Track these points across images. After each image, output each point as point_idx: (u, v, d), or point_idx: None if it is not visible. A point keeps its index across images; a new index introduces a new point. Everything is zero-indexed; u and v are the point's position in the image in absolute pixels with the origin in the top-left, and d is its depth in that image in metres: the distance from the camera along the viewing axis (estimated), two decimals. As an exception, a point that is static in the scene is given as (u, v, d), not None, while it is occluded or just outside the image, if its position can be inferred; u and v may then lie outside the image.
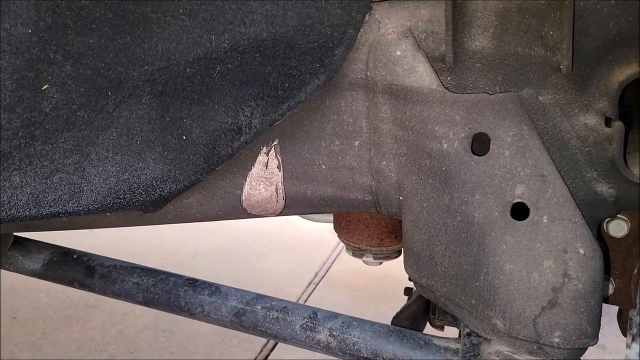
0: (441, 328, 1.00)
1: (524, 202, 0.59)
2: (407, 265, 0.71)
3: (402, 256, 1.05)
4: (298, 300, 2.41)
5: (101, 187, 0.69)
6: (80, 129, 0.68)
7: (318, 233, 2.90)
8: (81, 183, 0.69)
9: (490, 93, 0.62)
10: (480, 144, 0.62)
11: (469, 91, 0.63)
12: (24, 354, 1.87)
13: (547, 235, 0.58)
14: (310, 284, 2.53)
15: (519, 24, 0.60)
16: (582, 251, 0.57)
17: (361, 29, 0.66)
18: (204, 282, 0.93)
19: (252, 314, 0.89)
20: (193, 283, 0.93)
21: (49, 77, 0.65)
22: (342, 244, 2.91)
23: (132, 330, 2.03)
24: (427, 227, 0.66)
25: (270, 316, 0.88)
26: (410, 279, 0.71)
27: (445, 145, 0.63)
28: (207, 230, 2.71)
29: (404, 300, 2.43)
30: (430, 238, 0.66)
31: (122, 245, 2.28)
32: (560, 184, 0.59)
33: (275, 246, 2.82)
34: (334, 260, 2.72)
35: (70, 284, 1.01)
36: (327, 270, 2.64)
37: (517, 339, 0.60)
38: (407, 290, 1.05)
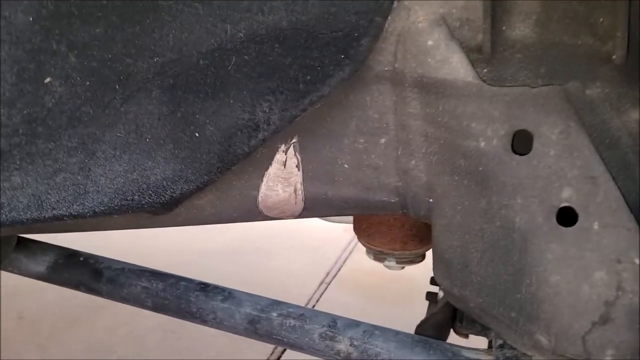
0: (465, 336, 0.95)
1: (572, 206, 0.54)
2: (438, 273, 0.65)
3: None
4: (309, 300, 2.36)
5: (108, 187, 0.65)
6: (86, 126, 0.64)
7: (329, 231, 2.85)
8: (86, 183, 0.64)
9: (533, 86, 0.56)
10: (521, 142, 0.57)
11: (508, 84, 0.58)
12: (31, 355, 1.84)
13: (598, 243, 0.53)
14: (321, 283, 2.48)
15: (565, 10, 0.55)
16: (637, 261, 0.52)
17: (389, 17, 0.61)
18: (217, 287, 0.89)
19: (267, 321, 0.84)
20: (205, 288, 0.88)
21: (52, 69, 0.60)
22: (354, 243, 2.86)
23: (140, 332, 1.99)
24: (460, 233, 0.61)
25: (287, 324, 0.83)
26: (440, 288, 0.66)
27: (482, 144, 0.57)
28: (215, 229, 2.67)
29: (417, 301, 2.36)
30: (465, 244, 0.61)
31: (128, 244, 2.24)
32: (612, 186, 0.53)
33: (285, 245, 2.77)
34: (346, 259, 2.67)
35: (76, 287, 0.96)
36: (339, 270, 2.59)
37: (563, 357, 0.55)
38: (430, 295, 1.00)
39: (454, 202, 0.61)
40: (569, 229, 0.54)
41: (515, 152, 0.56)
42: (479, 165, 0.58)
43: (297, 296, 2.36)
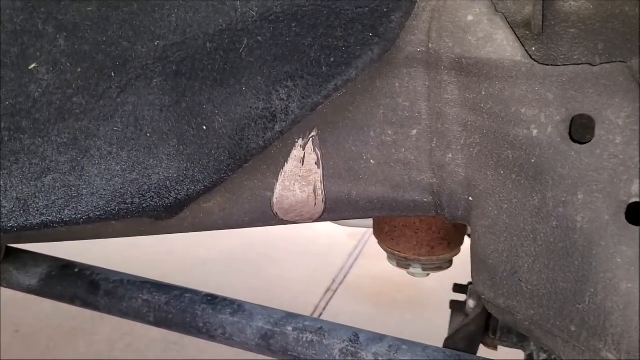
0: (494, 347, 0.88)
1: (644, 202, 0.46)
2: (479, 281, 0.58)
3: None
4: (316, 308, 2.28)
5: (104, 189, 0.57)
6: (78, 119, 0.56)
7: (333, 237, 2.78)
8: (79, 185, 0.57)
9: (593, 65, 0.49)
10: (581, 129, 0.49)
11: (561, 63, 0.51)
12: (27, 371, 1.75)
13: (678, 244, 0.45)
14: (327, 291, 2.40)
15: None
16: None
17: (421, -10, 0.53)
18: (225, 299, 0.81)
19: (282, 336, 0.76)
20: (212, 300, 0.81)
21: (38, 54, 0.53)
22: (359, 248, 2.77)
23: (141, 343, 1.91)
24: (508, 235, 0.53)
25: (304, 339, 0.75)
26: (484, 299, 0.58)
27: (535, 132, 0.50)
28: (218, 235, 2.59)
29: (427, 307, 2.28)
30: (513, 248, 0.53)
31: (128, 252, 2.16)
32: (691, 178, 0.46)
33: (290, 251, 2.69)
34: (352, 265, 2.59)
35: (71, 301, 0.88)
36: (345, 276, 2.51)
37: (637, 379, 0.47)
38: (454, 304, 0.92)
39: (500, 199, 0.53)
40: (642, 228, 0.46)
41: (575, 141, 0.49)
42: (531, 156, 0.50)
43: (303, 304, 2.28)
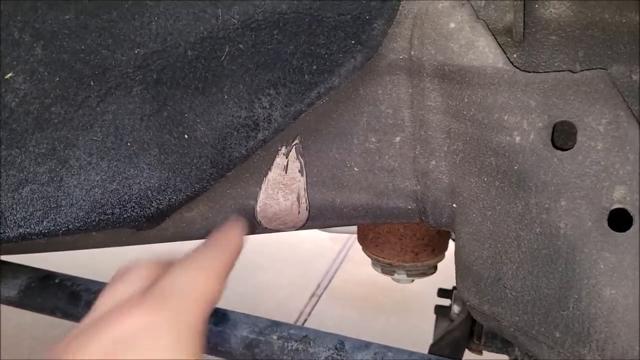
0: (479, 352, 0.88)
1: (626, 207, 0.47)
2: (463, 288, 0.58)
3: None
4: (300, 314, 2.27)
5: (83, 200, 0.56)
6: (56, 129, 0.55)
7: (316, 242, 2.77)
8: (58, 196, 0.56)
9: (574, 71, 0.49)
10: (563, 136, 0.50)
11: (543, 70, 0.51)
12: (7, 383, 1.72)
13: (659, 249, 0.45)
14: (312, 296, 2.39)
15: None
16: None
17: (404, -3, 0.53)
18: (209, 309, 0.80)
19: (266, 345, 0.75)
20: (196, 310, 0.79)
21: (14, 63, 0.52)
22: (343, 253, 2.77)
23: (124, 353, 1.87)
24: (492, 241, 0.53)
25: (289, 347, 0.74)
26: (468, 305, 0.58)
27: (517, 138, 0.50)
28: (200, 241, 2.57)
29: (412, 311, 2.28)
30: (497, 255, 0.53)
31: (108, 258, 2.13)
32: (672, 183, 0.46)
33: (274, 257, 2.67)
34: (337, 270, 2.59)
35: (51, 313, 0.87)
36: (330, 281, 2.50)
37: (621, 384, 0.47)
38: (439, 309, 0.92)
39: (484, 206, 0.53)
40: (624, 234, 0.46)
41: (557, 147, 0.49)
42: (513, 163, 0.50)
43: (288, 310, 2.27)
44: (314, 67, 0.52)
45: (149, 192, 0.56)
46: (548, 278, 0.50)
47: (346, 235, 2.70)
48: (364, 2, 0.52)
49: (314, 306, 2.34)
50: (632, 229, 0.46)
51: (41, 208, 0.55)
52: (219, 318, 0.78)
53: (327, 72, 0.52)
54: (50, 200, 0.55)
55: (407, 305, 2.23)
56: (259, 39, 0.54)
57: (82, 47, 0.53)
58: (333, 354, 0.73)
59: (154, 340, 0.42)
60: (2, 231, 0.53)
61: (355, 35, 0.52)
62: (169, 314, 0.43)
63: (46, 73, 0.53)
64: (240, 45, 0.54)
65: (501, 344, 0.78)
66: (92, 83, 0.55)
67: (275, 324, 0.77)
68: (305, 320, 2.25)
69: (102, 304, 0.48)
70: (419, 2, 0.53)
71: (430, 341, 0.86)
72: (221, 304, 0.85)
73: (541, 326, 0.51)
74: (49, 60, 0.53)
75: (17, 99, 0.52)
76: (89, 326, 0.44)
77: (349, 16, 0.52)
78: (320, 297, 2.40)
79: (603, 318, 0.47)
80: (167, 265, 0.50)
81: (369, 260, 0.86)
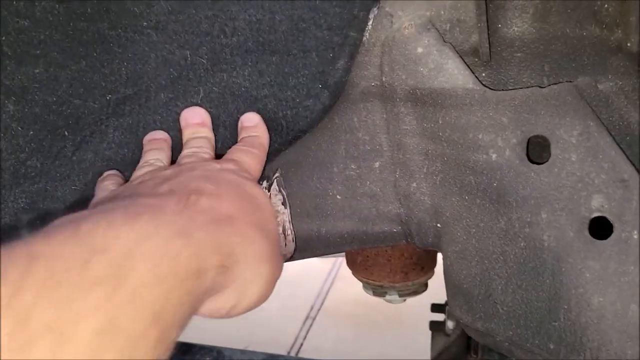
0: (477, 364, 0.88)
1: (605, 215, 0.47)
2: (455, 306, 0.58)
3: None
4: (296, 338, 2.26)
5: None
6: (34, 182, 0.55)
7: (307, 263, 2.76)
8: None
9: (542, 86, 0.50)
10: (538, 149, 0.51)
11: (512, 87, 0.52)
12: None
13: (642, 254, 0.46)
14: (307, 318, 2.38)
15: (565, 0, 0.50)
16: (689, 270, 0.46)
17: (370, 26, 0.54)
18: (203, 347, 0.79)
19: (264, 379, 0.75)
20: (189, 350, 0.79)
21: (-14, 121, 0.52)
22: (334, 272, 2.76)
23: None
24: (479, 258, 0.54)
25: (286, 380, 0.74)
26: (462, 323, 0.58)
27: (493, 156, 0.51)
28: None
29: (406, 326, 2.27)
30: (485, 271, 0.53)
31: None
32: (647, 188, 0.47)
33: (264, 282, 2.65)
34: (328, 290, 2.58)
35: None
36: (323, 302, 2.49)
37: (617, 391, 0.48)
38: (434, 325, 0.92)
39: (467, 224, 0.54)
40: (606, 242, 0.47)
41: (533, 162, 0.50)
42: (492, 180, 0.51)
43: (283, 335, 2.25)
44: (287, 112, 0.54)
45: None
46: (537, 291, 0.50)
47: (334, 256, 2.70)
48: (327, 37, 0.52)
49: (308, 329, 2.32)
50: (613, 235, 0.47)
51: None
52: (214, 357, 0.77)
53: (302, 119, 0.54)
54: None
55: (400, 320, 2.23)
56: (230, 80, 0.54)
57: (54, 98, 0.53)
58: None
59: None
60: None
61: (322, 76, 0.53)
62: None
63: (19, 128, 0.53)
64: (214, 88, 0.54)
65: (498, 356, 0.79)
66: (66, 133, 0.55)
67: (271, 357, 0.76)
68: (302, 345, 2.23)
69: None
70: (385, 30, 0.54)
71: (425, 354, 0.86)
72: (214, 336, 0.84)
73: (535, 339, 0.51)
74: (22, 115, 0.52)
75: (-9, 157, 0.52)
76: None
77: (313, 53, 0.53)
78: (314, 319, 2.39)
79: (594, 326, 0.47)
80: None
81: (359, 280, 0.86)
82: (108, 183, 0.53)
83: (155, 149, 0.54)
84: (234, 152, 0.53)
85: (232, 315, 0.45)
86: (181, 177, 0.46)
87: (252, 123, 0.54)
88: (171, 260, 0.35)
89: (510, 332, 0.53)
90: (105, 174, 0.55)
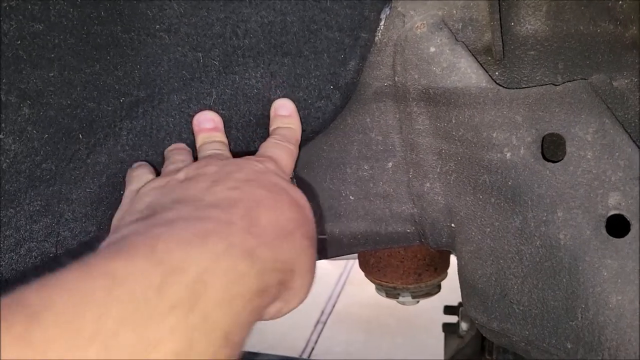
0: (491, 366, 0.87)
1: (622, 213, 0.47)
2: (470, 307, 0.57)
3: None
4: (307, 342, 2.25)
5: (80, 252, 0.55)
6: (49, 185, 0.55)
7: (317, 267, 2.75)
8: (56, 251, 0.55)
9: (556, 84, 0.50)
10: (552, 147, 0.50)
11: (525, 85, 0.52)
12: None
13: (660, 252, 0.46)
14: (317, 322, 2.37)
15: None
16: None
17: (382, 26, 0.54)
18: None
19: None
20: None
21: (3, 125, 0.52)
22: (344, 276, 2.76)
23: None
24: (494, 258, 0.53)
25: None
26: (477, 323, 0.58)
27: (508, 155, 0.50)
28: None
29: (418, 329, 2.26)
30: (500, 271, 0.53)
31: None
32: (664, 185, 0.47)
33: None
34: (339, 294, 2.57)
35: None
36: (334, 306, 2.49)
37: (637, 391, 0.47)
38: (447, 327, 0.92)
39: (482, 224, 0.54)
40: (623, 239, 0.47)
41: (548, 160, 0.49)
42: (507, 179, 0.51)
43: (294, 339, 2.25)
44: (300, 113, 0.54)
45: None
46: (553, 290, 0.50)
47: (345, 259, 2.68)
48: (338, 39, 0.52)
49: (320, 333, 2.31)
50: (630, 233, 0.47)
51: (40, 265, 0.55)
52: None
53: (313, 120, 0.54)
54: (49, 256, 0.55)
55: (411, 323, 2.22)
56: (243, 82, 0.54)
57: (68, 102, 0.53)
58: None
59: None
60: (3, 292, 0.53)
61: (333, 77, 0.53)
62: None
63: (35, 131, 0.53)
64: (227, 90, 0.54)
65: (512, 356, 0.78)
66: (80, 136, 0.55)
67: None
68: (313, 349, 2.22)
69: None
70: (397, 30, 0.54)
71: (437, 357, 0.85)
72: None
73: (552, 338, 0.51)
74: (37, 118, 0.53)
75: (8, 160, 0.52)
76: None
77: (325, 55, 0.53)
78: (325, 323, 2.38)
79: (612, 325, 0.47)
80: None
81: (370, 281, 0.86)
82: (141, 172, 0.52)
83: (178, 149, 0.53)
84: (271, 147, 0.50)
85: (270, 319, 0.45)
86: (231, 181, 0.43)
87: (286, 112, 0.53)
88: (240, 281, 0.35)
89: (527, 332, 0.52)
90: (136, 164, 0.54)
